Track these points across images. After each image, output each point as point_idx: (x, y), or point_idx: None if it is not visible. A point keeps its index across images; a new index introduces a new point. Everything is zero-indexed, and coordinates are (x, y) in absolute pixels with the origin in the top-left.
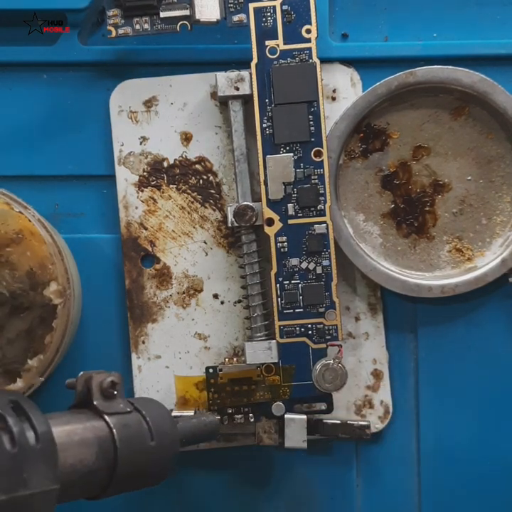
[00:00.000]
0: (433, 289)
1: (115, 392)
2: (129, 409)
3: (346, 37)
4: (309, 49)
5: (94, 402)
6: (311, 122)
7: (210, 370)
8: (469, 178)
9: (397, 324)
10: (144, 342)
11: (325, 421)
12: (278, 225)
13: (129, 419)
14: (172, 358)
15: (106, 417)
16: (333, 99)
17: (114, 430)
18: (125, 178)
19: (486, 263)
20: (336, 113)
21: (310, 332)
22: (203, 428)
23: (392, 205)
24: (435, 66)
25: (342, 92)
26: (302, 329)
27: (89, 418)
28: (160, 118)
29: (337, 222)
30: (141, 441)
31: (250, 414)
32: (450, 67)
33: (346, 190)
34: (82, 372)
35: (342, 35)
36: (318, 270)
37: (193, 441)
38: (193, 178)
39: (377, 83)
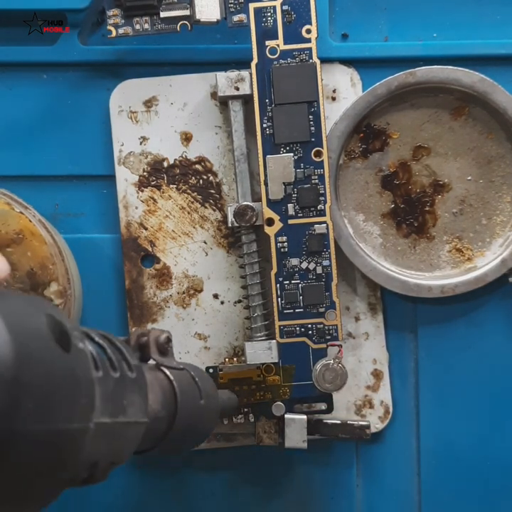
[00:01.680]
0: (433, 289)
1: (169, 349)
2: (181, 367)
3: (346, 37)
4: (309, 49)
5: (152, 356)
6: (311, 122)
7: (210, 370)
8: (469, 178)
9: (397, 324)
10: None
11: (325, 421)
12: (278, 225)
13: (183, 376)
14: None
15: (165, 370)
16: (333, 99)
17: (175, 383)
18: (125, 178)
19: (486, 263)
20: (336, 113)
21: (310, 332)
22: (228, 402)
23: (392, 205)
24: (435, 66)
25: (342, 92)
26: (302, 329)
27: (151, 369)
28: (160, 118)
29: (337, 222)
30: (194, 397)
31: (250, 414)
32: (450, 67)
33: (346, 190)
34: (134, 328)
35: (342, 35)
36: (319, 270)
37: (224, 413)
38: (193, 178)
39: (377, 83)
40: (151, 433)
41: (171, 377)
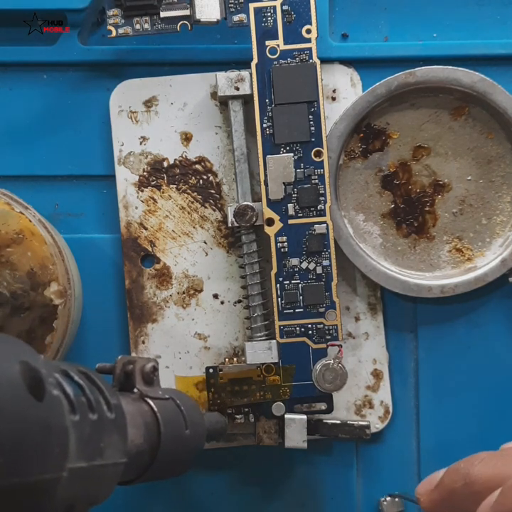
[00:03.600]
0: (433, 289)
1: (154, 378)
2: (167, 397)
3: (346, 37)
4: (309, 49)
5: (137, 386)
6: (311, 122)
7: (210, 370)
8: (469, 178)
9: (397, 324)
10: (143, 342)
11: (325, 421)
12: (278, 225)
13: (168, 406)
14: (172, 358)
15: (150, 401)
16: (333, 99)
17: (159, 415)
18: (125, 178)
19: (486, 263)
20: (336, 113)
21: (310, 332)
22: (216, 425)
23: (392, 205)
24: (435, 66)
25: (342, 92)
26: (302, 329)
27: (135, 400)
28: (160, 118)
29: (337, 222)
30: (178, 428)
31: (250, 414)
32: (450, 67)
33: (346, 190)
34: (120, 356)
35: (342, 35)
36: (319, 270)
37: (210, 437)
38: (193, 178)
39: (377, 83)
40: (133, 466)
41: (155, 409)
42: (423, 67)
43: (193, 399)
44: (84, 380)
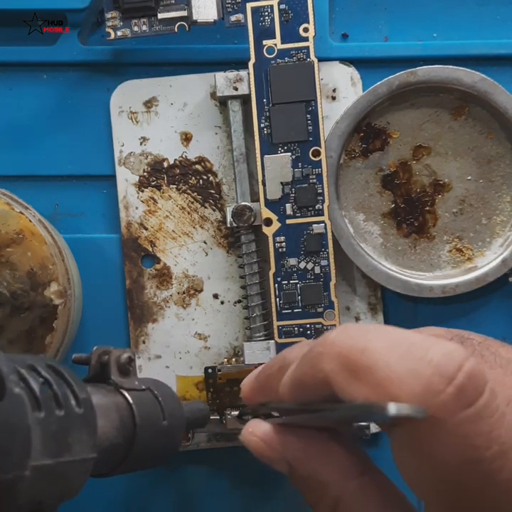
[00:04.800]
0: (434, 289)
1: (130, 369)
2: (143, 387)
3: (346, 37)
4: (307, 48)
5: (112, 377)
6: (309, 121)
7: (209, 371)
8: (469, 178)
9: (398, 324)
10: (144, 342)
11: None
12: (276, 225)
13: (145, 397)
14: (172, 358)
15: (125, 392)
16: (334, 98)
17: (134, 406)
18: (125, 179)
19: (487, 263)
20: (336, 112)
21: (309, 332)
22: (198, 414)
23: (393, 205)
24: (436, 66)
25: (342, 92)
26: (301, 329)
27: (109, 392)
28: (160, 118)
29: (338, 222)
30: (155, 420)
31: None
32: (451, 66)
33: (347, 190)
34: (96, 347)
35: (342, 35)
36: (317, 270)
37: (191, 426)
38: (193, 178)
39: (378, 82)
40: (106, 459)
41: (130, 401)
42: (424, 67)
43: (172, 389)
44: (52, 374)
